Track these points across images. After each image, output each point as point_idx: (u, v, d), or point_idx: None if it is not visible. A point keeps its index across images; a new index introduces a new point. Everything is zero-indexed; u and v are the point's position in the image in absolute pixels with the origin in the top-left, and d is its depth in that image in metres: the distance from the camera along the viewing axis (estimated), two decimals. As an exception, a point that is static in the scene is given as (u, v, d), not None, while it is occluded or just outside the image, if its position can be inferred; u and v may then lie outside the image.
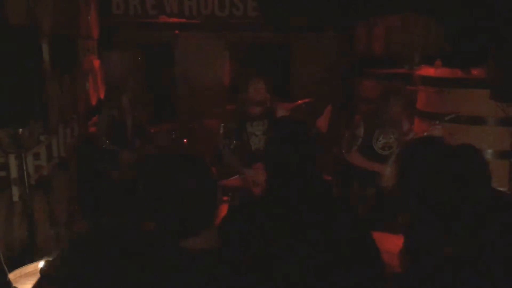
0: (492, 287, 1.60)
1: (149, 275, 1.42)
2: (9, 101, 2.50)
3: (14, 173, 2.96)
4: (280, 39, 7.40)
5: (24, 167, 2.82)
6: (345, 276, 1.81)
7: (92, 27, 5.65)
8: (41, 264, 2.17)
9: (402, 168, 1.84)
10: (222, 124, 3.72)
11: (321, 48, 7.38)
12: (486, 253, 1.64)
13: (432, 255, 1.66)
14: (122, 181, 4.02)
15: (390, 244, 2.24)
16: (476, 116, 3.87)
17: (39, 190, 3.29)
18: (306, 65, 7.41)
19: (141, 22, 7.07)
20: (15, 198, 3.00)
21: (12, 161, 2.94)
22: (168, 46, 7.33)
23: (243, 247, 1.70)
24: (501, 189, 2.64)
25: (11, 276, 2.12)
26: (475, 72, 3.99)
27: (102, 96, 5.85)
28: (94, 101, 5.38)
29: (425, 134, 3.49)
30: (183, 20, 7.18)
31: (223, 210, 2.05)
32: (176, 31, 7.26)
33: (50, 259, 2.09)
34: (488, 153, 3.81)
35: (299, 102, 5.51)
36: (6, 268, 1.98)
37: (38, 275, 2.16)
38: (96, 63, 5.83)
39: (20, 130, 2.75)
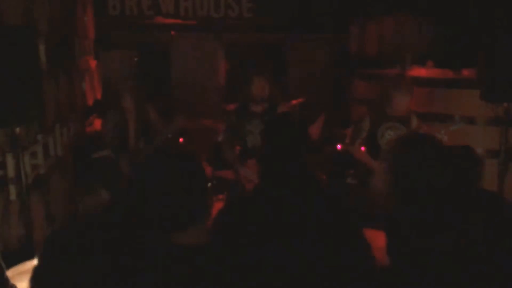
0: (476, 282, 1.64)
1: (136, 268, 1.43)
2: (6, 101, 2.53)
3: (11, 172, 2.99)
4: (274, 40, 7.45)
5: (21, 166, 2.85)
6: (335, 270, 1.84)
7: (88, 28, 5.68)
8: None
9: (392, 163, 1.87)
10: (225, 118, 3.75)
11: (315, 49, 7.43)
12: (470, 250, 1.68)
13: (416, 251, 1.70)
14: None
15: (383, 241, 2.27)
16: (467, 116, 3.92)
17: (36, 189, 3.32)
18: (300, 65, 7.46)
19: (137, 23, 7.10)
20: (12, 196, 3.02)
21: (9, 160, 2.97)
22: (163, 46, 7.36)
23: (232, 244, 1.72)
24: (490, 188, 2.69)
25: (8, 274, 2.15)
26: (466, 72, 4.05)
27: (99, 96, 5.88)
28: (91, 101, 5.41)
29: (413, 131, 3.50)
30: (179, 21, 7.21)
31: (217, 207, 2.07)
32: (172, 32, 7.29)
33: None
34: (478, 152, 3.86)
35: (293, 102, 5.54)
36: (3, 266, 2.01)
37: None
38: (93, 63, 5.86)
39: (17, 129, 2.78)
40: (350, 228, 1.95)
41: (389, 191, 1.89)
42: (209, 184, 4.15)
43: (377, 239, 2.21)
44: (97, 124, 5.20)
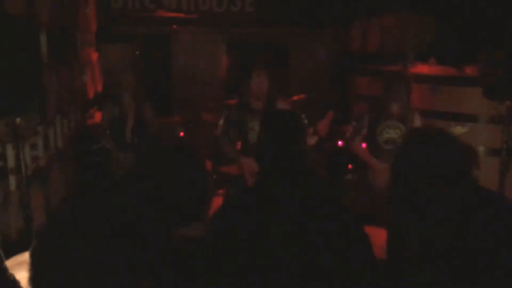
0: (474, 280, 1.64)
1: (136, 258, 1.42)
2: (6, 91, 2.52)
3: (11, 163, 2.99)
4: (276, 35, 7.44)
5: (21, 157, 2.85)
6: (335, 270, 1.83)
7: (90, 20, 5.67)
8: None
9: (397, 158, 1.85)
10: (225, 113, 3.70)
11: (317, 45, 7.43)
12: (469, 247, 1.67)
13: (415, 247, 1.69)
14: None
15: (383, 238, 2.27)
16: (469, 114, 3.91)
17: (36, 180, 3.32)
18: (302, 61, 7.45)
19: (139, 16, 7.09)
20: (12, 187, 3.03)
21: (9, 151, 2.97)
22: (165, 40, 7.35)
23: (230, 239, 1.71)
24: (491, 186, 2.68)
25: (7, 263, 2.16)
26: (468, 70, 4.03)
27: (99, 88, 5.87)
28: (91, 94, 5.41)
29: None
30: (181, 15, 7.20)
31: (218, 202, 2.07)
32: (174, 26, 7.28)
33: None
34: (480, 151, 3.86)
35: (294, 98, 5.54)
36: (2, 255, 2.01)
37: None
38: (94, 56, 5.85)
39: (18, 120, 2.78)
40: (350, 227, 1.93)
41: (391, 187, 1.89)
42: (209, 179, 4.16)
43: (377, 236, 2.20)
44: (98, 116, 5.20)
